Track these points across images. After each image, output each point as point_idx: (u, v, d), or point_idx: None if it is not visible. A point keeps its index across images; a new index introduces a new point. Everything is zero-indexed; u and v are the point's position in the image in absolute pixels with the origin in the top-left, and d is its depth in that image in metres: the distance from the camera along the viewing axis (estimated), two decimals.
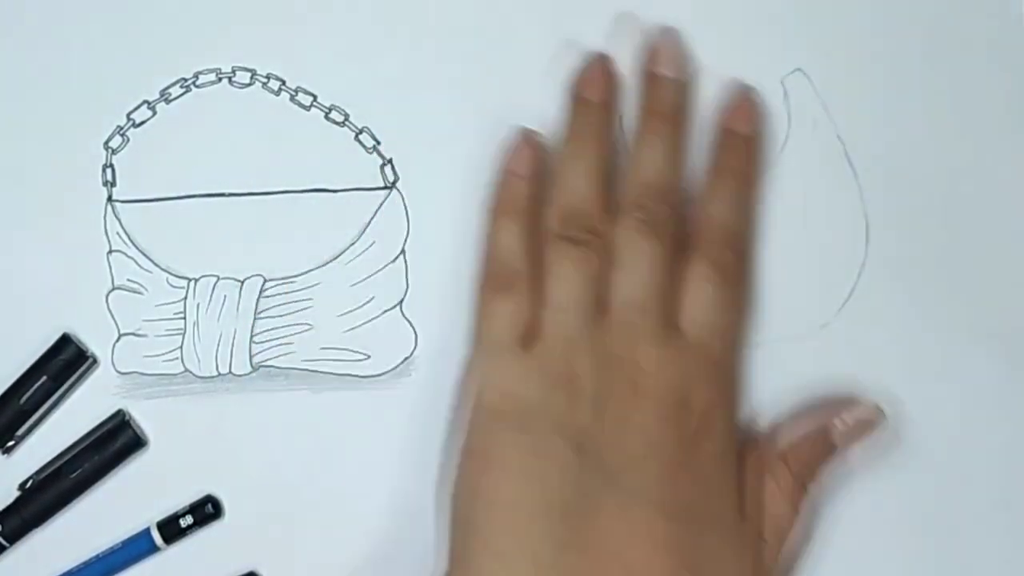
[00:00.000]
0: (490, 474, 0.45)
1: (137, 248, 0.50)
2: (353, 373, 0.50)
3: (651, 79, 0.49)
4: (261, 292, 0.50)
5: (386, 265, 0.50)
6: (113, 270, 0.50)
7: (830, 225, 0.50)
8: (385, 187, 0.50)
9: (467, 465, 0.46)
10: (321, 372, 0.50)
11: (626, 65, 0.50)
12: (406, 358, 0.50)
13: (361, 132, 0.50)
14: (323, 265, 0.50)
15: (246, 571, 0.50)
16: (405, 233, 0.50)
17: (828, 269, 0.50)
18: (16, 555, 0.50)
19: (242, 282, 0.50)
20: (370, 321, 0.50)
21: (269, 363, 0.50)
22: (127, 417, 0.50)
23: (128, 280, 0.50)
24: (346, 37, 0.51)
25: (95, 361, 0.50)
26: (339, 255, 0.50)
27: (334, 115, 0.51)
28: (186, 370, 0.50)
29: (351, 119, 0.51)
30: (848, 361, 0.49)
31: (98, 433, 0.49)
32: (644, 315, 0.45)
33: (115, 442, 0.49)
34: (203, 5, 0.51)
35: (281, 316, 0.50)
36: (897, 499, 0.49)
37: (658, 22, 0.50)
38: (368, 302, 0.50)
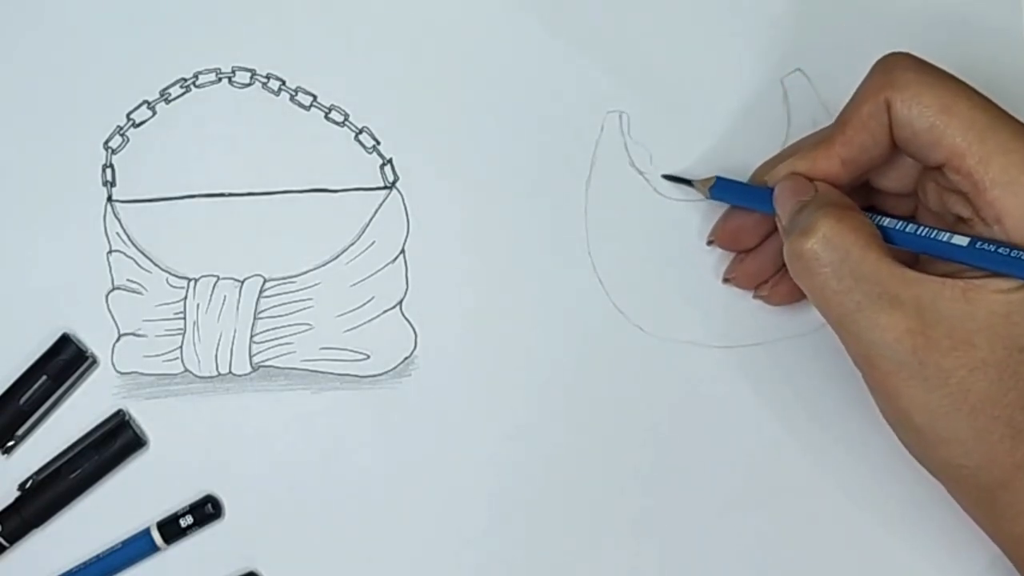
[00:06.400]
0: None
1: (137, 248, 0.50)
2: (353, 373, 0.50)
3: None
4: (261, 292, 0.50)
5: (386, 265, 0.50)
6: (113, 270, 0.50)
7: None
8: (385, 187, 0.50)
9: None
10: (321, 372, 0.50)
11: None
12: (406, 358, 0.50)
13: (361, 132, 0.50)
14: (323, 265, 0.50)
15: (246, 571, 0.50)
16: (405, 233, 0.50)
17: None
18: (16, 555, 0.50)
19: (242, 282, 0.50)
20: (370, 321, 0.50)
21: (269, 363, 0.50)
22: (127, 417, 0.50)
23: (128, 280, 0.50)
24: (346, 37, 0.51)
25: (95, 361, 0.50)
26: (339, 255, 0.50)
27: (334, 115, 0.51)
28: (186, 370, 0.50)
29: (351, 119, 0.50)
30: (847, 360, 0.49)
31: (98, 433, 0.49)
32: None
33: (115, 442, 0.49)
34: (203, 5, 0.51)
35: (281, 316, 0.50)
36: (897, 497, 0.49)
37: (658, 22, 0.50)
38: (368, 302, 0.50)
